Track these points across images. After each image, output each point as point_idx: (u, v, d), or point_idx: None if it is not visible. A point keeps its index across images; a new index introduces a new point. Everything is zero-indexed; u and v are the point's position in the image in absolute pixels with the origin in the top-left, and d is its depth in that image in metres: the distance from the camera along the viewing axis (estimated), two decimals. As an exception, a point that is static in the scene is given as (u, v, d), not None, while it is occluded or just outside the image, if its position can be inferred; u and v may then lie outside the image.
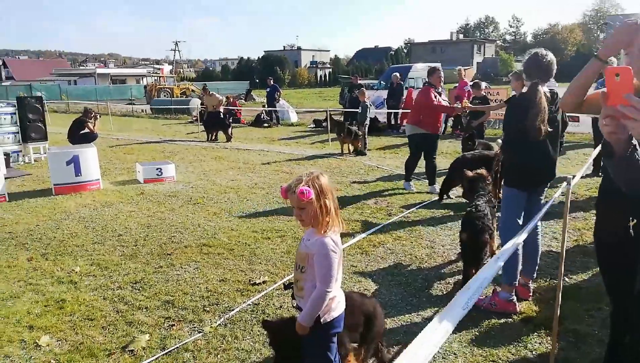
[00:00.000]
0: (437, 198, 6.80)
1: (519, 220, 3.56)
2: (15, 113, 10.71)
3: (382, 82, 19.89)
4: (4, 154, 9.30)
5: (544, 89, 3.38)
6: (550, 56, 3.40)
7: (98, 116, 11.40)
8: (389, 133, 14.64)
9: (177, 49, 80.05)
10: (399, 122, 15.46)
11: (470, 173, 4.70)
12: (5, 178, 7.69)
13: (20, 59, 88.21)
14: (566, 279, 4.09)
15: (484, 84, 14.19)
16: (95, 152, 7.95)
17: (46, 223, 6.02)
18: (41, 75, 53.95)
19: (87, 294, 4.01)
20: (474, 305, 3.55)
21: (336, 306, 2.25)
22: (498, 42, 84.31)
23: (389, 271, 4.41)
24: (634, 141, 1.35)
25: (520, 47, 76.70)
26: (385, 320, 3.53)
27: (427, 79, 7.37)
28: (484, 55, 71.30)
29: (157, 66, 73.68)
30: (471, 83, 10.56)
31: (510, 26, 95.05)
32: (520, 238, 2.21)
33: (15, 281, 4.31)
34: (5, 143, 10.41)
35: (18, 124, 10.69)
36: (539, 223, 3.71)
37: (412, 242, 5.13)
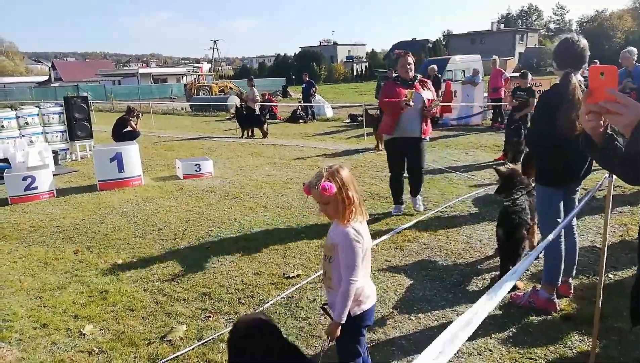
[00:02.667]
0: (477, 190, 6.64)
1: (558, 219, 3.36)
2: (62, 113, 11.20)
3: (419, 75, 19.58)
4: (53, 152, 9.76)
5: (577, 78, 3.11)
6: (583, 42, 3.15)
7: (140, 115, 11.79)
8: (426, 127, 14.40)
9: (215, 47, 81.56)
10: (438, 115, 15.21)
11: (503, 170, 4.56)
12: (54, 175, 8.06)
13: (68, 61, 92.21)
14: (610, 276, 3.93)
15: (510, 76, 13.76)
16: (137, 149, 8.22)
17: (91, 218, 6.28)
18: (87, 76, 56.19)
19: (128, 285, 4.17)
20: (512, 301, 3.49)
21: (366, 299, 2.25)
22: (541, 31, 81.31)
23: (423, 266, 4.36)
24: (609, 130, 1.39)
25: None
26: (419, 315, 3.51)
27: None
28: (527, 45, 68.96)
29: (197, 65, 75.26)
30: (518, 74, 10.21)
31: (555, 14, 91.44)
32: (550, 236, 2.13)
33: (62, 272, 4.52)
34: (54, 141, 10.92)
35: (65, 123, 11.17)
36: (574, 220, 3.57)
37: (447, 237, 5.05)
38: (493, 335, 3.17)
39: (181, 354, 3.09)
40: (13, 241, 5.47)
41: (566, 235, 3.49)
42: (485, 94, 14.50)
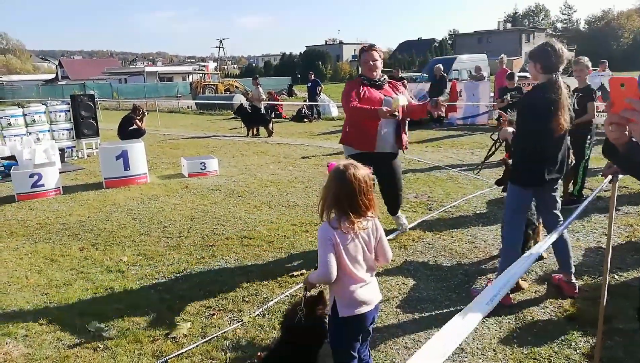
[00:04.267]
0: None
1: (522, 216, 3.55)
2: (69, 111, 11.26)
3: (425, 74, 19.56)
4: (59, 150, 9.82)
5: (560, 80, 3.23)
6: (559, 45, 3.27)
7: (146, 113, 11.83)
8: (430, 126, 14.38)
9: (221, 46, 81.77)
10: (444, 115, 15.20)
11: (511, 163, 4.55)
12: (60, 172, 8.11)
13: (75, 59, 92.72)
14: (615, 276, 3.91)
15: (523, 75, 13.74)
16: (143, 147, 8.25)
17: (97, 215, 6.32)
18: (94, 74, 56.44)
19: (133, 283, 4.19)
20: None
21: (357, 304, 2.23)
22: (548, 30, 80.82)
23: (428, 266, 4.35)
24: (633, 138, 1.40)
25: (572, 36, 73.27)
26: (423, 315, 3.51)
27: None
28: (534, 44, 68.57)
29: (202, 64, 75.48)
30: (522, 73, 10.27)
31: (562, 13, 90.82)
32: (553, 237, 2.12)
33: (68, 269, 4.55)
34: (61, 139, 10.99)
35: (72, 121, 11.23)
36: (559, 216, 3.59)
37: (452, 237, 5.04)
38: (497, 335, 3.17)
39: (185, 351, 3.10)
40: (20, 238, 5.51)
41: (552, 231, 3.49)
42: (492, 94, 14.46)
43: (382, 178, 4.69)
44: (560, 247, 3.61)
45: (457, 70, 19.53)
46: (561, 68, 3.27)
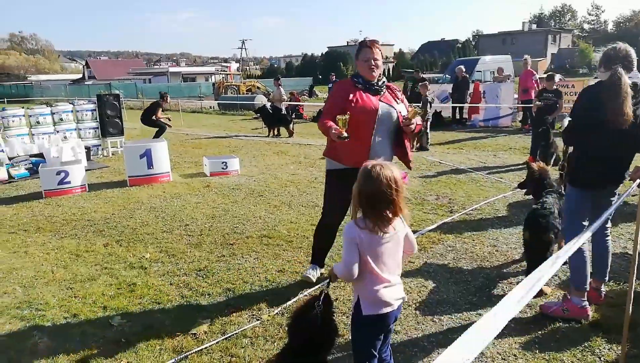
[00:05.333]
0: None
1: (584, 223, 3.29)
2: (95, 110, 11.51)
3: (447, 75, 19.38)
4: (85, 148, 10.04)
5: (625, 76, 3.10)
6: (628, 48, 3.20)
7: (168, 99, 12.67)
8: (452, 128, 14.25)
9: (243, 47, 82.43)
10: (465, 117, 15.03)
11: (535, 167, 4.48)
12: (86, 170, 8.30)
13: (101, 60, 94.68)
14: (643, 283, 3.81)
15: (557, 77, 13.48)
16: (166, 146, 8.38)
17: (121, 212, 6.44)
18: (119, 74, 57.53)
19: (155, 279, 4.26)
20: (543, 310, 3.39)
21: (382, 304, 2.24)
22: (575, 31, 79.29)
23: (448, 269, 4.31)
24: None
25: (600, 37, 71.59)
26: (442, 317, 3.48)
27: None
28: (560, 46, 67.31)
29: (225, 64, 76.24)
30: (545, 75, 10.03)
31: (589, 14, 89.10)
32: (581, 239, 2.08)
33: (93, 264, 4.66)
34: (87, 138, 11.23)
35: (98, 120, 11.48)
36: (609, 223, 3.47)
37: (473, 240, 4.99)
38: (518, 340, 3.12)
39: (205, 348, 3.14)
40: (47, 233, 5.66)
41: (598, 239, 3.40)
42: (515, 95, 14.24)
43: None
44: (600, 253, 3.50)
45: (480, 71, 19.27)
46: (630, 67, 3.17)
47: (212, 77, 52.79)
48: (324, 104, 19.19)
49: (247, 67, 79.59)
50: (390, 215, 2.17)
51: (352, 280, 2.23)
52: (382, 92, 3.70)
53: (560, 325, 3.28)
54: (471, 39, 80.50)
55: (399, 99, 3.78)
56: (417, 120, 3.67)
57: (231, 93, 30.28)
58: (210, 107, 26.79)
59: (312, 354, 2.47)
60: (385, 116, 3.61)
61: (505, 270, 4.26)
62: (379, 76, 3.68)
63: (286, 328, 2.88)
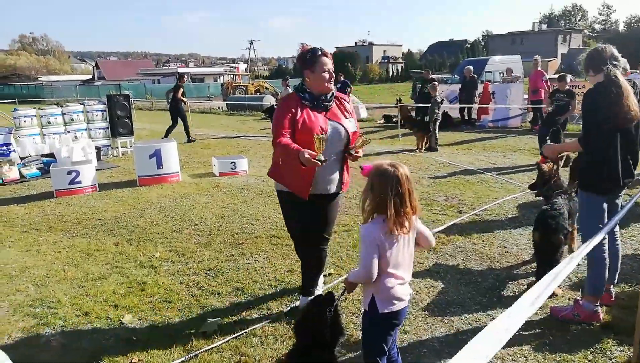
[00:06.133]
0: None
1: (601, 226, 3.24)
2: (105, 110, 11.60)
3: (456, 76, 19.31)
4: (95, 148, 10.13)
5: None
6: (610, 47, 3.22)
7: (185, 80, 13.61)
8: (461, 129, 14.19)
9: (252, 47, 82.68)
10: (474, 117, 14.96)
11: (545, 168, 4.46)
12: (97, 170, 8.38)
13: (111, 60, 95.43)
14: (655, 285, 3.77)
15: (569, 77, 13.38)
16: (176, 147, 8.43)
17: (131, 212, 6.49)
18: (129, 75, 57.99)
19: (165, 278, 4.29)
20: (554, 314, 3.37)
21: (396, 300, 2.25)
22: (585, 31, 78.62)
23: (457, 270, 4.30)
24: None
25: (611, 37, 70.96)
26: (452, 318, 3.47)
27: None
28: (570, 46, 66.77)
29: (233, 65, 76.52)
30: (556, 76, 9.94)
31: (600, 14, 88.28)
32: (594, 241, 2.07)
33: (103, 263, 4.70)
34: (97, 138, 11.33)
35: (108, 120, 11.57)
36: (617, 226, 3.44)
37: (483, 241, 4.97)
38: (528, 341, 3.10)
39: (215, 347, 3.16)
40: (58, 232, 5.72)
41: (609, 241, 3.37)
42: (525, 96, 14.16)
43: (311, 221, 3.36)
44: (609, 255, 3.47)
45: (490, 71, 19.17)
46: (610, 62, 3.15)
47: (220, 77, 52.97)
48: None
49: (256, 68, 79.86)
50: (410, 213, 2.18)
51: (371, 282, 2.22)
52: (330, 107, 3.28)
53: (571, 326, 3.26)
54: (480, 40, 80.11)
55: (348, 112, 3.37)
56: (360, 149, 3.23)
57: (239, 94, 30.37)
58: (219, 108, 26.89)
59: (320, 352, 2.48)
60: (334, 136, 3.20)
61: (515, 271, 4.24)
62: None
63: (294, 328, 2.90)
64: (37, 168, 9.30)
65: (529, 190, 5.21)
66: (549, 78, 13.50)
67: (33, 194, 7.78)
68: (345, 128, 3.27)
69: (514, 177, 7.80)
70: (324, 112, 3.25)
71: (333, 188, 3.33)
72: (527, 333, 3.20)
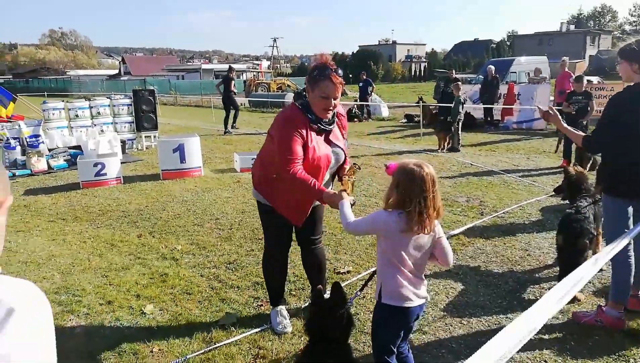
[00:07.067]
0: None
1: (626, 230, 3.12)
2: (131, 105, 11.80)
3: (480, 76, 19.05)
4: (121, 141, 10.32)
5: None
6: None
7: (234, 72, 14.69)
8: (485, 129, 14.01)
9: (275, 45, 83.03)
10: (497, 118, 14.76)
11: (572, 171, 4.37)
12: (121, 163, 8.54)
13: (137, 56, 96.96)
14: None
15: (588, 79, 13.07)
16: (199, 142, 8.54)
17: (154, 205, 6.61)
18: (154, 70, 58.87)
19: (186, 270, 4.36)
20: (576, 319, 3.31)
21: (402, 298, 2.25)
22: (615, 33, 76.55)
23: (477, 272, 4.26)
24: None
25: (642, 38, 68.75)
26: (471, 320, 3.44)
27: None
28: (599, 47, 65.19)
29: (256, 62, 76.94)
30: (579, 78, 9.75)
31: (631, 15, 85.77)
32: (620, 245, 2.03)
33: (127, 254, 4.80)
34: (122, 131, 11.54)
35: (133, 114, 11.77)
36: None
37: (504, 243, 4.90)
38: (549, 346, 3.06)
39: (234, 340, 3.19)
40: (83, 223, 5.86)
41: (635, 246, 3.30)
42: (551, 98, 13.89)
43: (298, 229, 3.26)
44: (636, 259, 3.39)
45: (515, 72, 18.85)
46: None
47: (243, 74, 53.37)
48: (353, 103, 19.17)
49: (278, 65, 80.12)
50: (433, 216, 2.17)
51: (346, 228, 2.44)
52: (331, 130, 2.98)
53: (594, 332, 3.20)
54: (506, 40, 78.86)
55: (344, 129, 3.13)
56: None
57: (262, 91, 30.54)
58: (241, 105, 27.03)
59: (331, 347, 2.50)
60: (334, 160, 3.01)
61: (537, 275, 4.18)
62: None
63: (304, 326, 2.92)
64: (65, 160, 9.53)
65: (553, 193, 5.10)
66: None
67: (60, 185, 7.98)
68: (343, 151, 3.06)
69: (538, 180, 7.67)
70: (327, 135, 2.97)
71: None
72: (548, 337, 3.16)
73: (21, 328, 0.70)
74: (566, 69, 12.79)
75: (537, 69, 15.96)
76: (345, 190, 2.68)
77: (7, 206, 0.81)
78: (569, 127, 3.38)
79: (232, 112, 14.70)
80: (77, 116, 11.20)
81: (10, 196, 0.84)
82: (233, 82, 14.48)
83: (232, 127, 14.81)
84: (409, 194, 2.13)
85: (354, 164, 2.90)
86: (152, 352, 3.09)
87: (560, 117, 3.36)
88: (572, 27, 72.45)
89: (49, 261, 4.66)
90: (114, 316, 3.56)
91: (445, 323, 3.40)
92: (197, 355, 3.02)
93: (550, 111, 3.34)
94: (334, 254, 4.69)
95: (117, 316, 3.55)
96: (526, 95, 14.26)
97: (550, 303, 1.35)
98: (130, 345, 3.15)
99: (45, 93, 33.65)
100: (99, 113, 11.43)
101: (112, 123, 11.57)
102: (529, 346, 3.05)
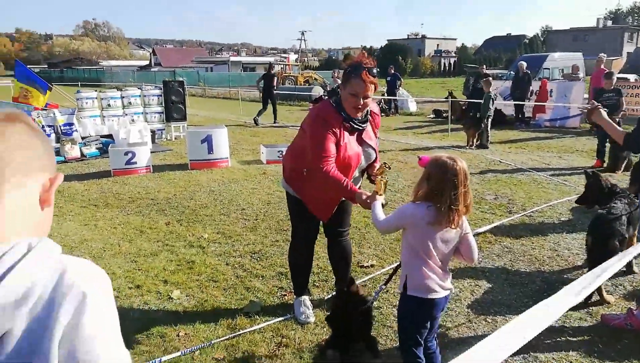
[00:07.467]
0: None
1: None
2: (161, 95, 12.00)
3: (512, 72, 18.65)
4: (151, 131, 10.52)
5: None
6: None
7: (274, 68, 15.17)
8: (516, 127, 13.72)
9: (303, 38, 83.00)
10: (530, 115, 14.43)
11: (591, 176, 4.24)
12: (151, 152, 8.71)
13: (167, 48, 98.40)
14: None
15: (624, 76, 12.63)
16: (226, 133, 8.64)
17: (182, 194, 6.73)
18: (184, 62, 59.71)
19: (212, 258, 4.44)
20: (605, 322, 3.23)
21: (423, 287, 2.25)
22: (656, 29, 73.63)
23: (503, 270, 4.20)
24: None
25: (684, 35, 66.12)
26: (496, 318, 3.40)
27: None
28: (637, 44, 62.88)
29: (284, 55, 77.09)
30: (606, 72, 9.43)
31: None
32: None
33: (155, 241, 4.91)
34: (152, 121, 11.75)
35: (163, 105, 11.98)
36: None
37: (532, 242, 4.82)
38: (576, 348, 3.00)
39: (258, 328, 3.24)
40: (114, 209, 6.02)
41: None
42: (586, 95, 13.49)
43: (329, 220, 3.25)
44: None
45: (548, 69, 18.36)
46: None
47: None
48: (380, 97, 19.05)
49: (306, 59, 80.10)
50: (462, 210, 2.16)
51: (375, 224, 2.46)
52: (364, 128, 2.96)
53: (623, 335, 3.13)
54: (540, 35, 76.87)
55: (376, 127, 3.11)
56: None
57: (289, 84, 30.60)
58: (269, 97, 27.19)
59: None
60: (365, 159, 3.04)
61: (565, 276, 4.09)
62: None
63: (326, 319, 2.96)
64: (97, 148, 9.78)
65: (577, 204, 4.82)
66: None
67: (92, 172, 8.20)
68: (374, 149, 3.06)
69: (569, 179, 7.49)
70: (359, 134, 2.95)
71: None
72: (575, 339, 3.10)
73: (99, 308, 0.73)
74: (602, 66, 12.40)
75: (575, 66, 15.49)
76: (377, 192, 2.65)
77: (57, 184, 0.83)
78: (613, 123, 3.29)
79: (270, 107, 15.12)
80: (109, 105, 11.45)
81: (60, 174, 0.86)
82: (275, 78, 15.38)
83: (274, 121, 15.19)
84: (441, 188, 2.12)
85: (384, 163, 2.85)
86: (178, 335, 3.16)
87: (605, 113, 3.26)
88: (609, 23, 70.06)
89: (81, 245, 4.81)
90: (142, 300, 3.66)
91: (469, 320, 3.37)
92: (221, 341, 3.09)
93: (598, 107, 3.25)
94: (358, 248, 4.69)
95: (146, 300, 3.65)
96: (560, 92, 13.89)
97: (569, 296, 1.33)
98: (158, 328, 3.23)
99: (79, 83, 34.52)
100: (130, 103, 11.66)
101: (142, 113, 11.78)
102: (556, 347, 3.01)
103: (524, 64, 14.39)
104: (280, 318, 3.36)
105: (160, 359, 2.86)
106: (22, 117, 0.81)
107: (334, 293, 3.36)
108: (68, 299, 0.69)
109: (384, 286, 2.83)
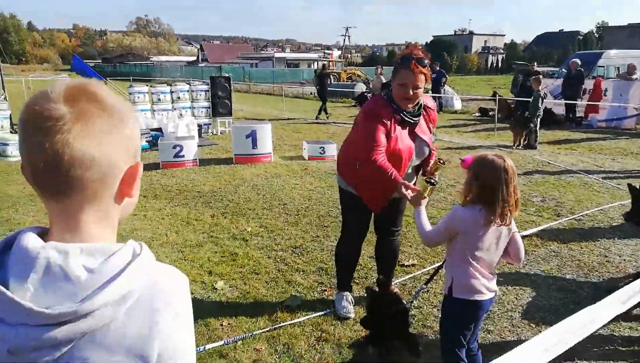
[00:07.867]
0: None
1: None
2: (208, 91, 12.31)
3: (563, 70, 17.93)
4: (198, 125, 10.82)
5: None
6: None
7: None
8: (567, 127, 13.21)
9: (347, 34, 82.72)
10: (580, 115, 13.84)
11: (636, 186, 4.04)
12: (198, 146, 8.96)
13: (214, 44, 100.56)
14: None
15: None
16: (270, 129, 8.78)
17: (226, 187, 6.91)
18: (229, 58, 60.83)
19: (255, 251, 4.55)
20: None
21: (470, 288, 2.23)
22: None
23: (550, 274, 4.08)
24: None
25: None
26: (541, 324, 3.32)
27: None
28: None
29: (328, 51, 77.23)
30: None
31: None
32: None
33: (200, 232, 5.07)
34: (199, 116, 12.08)
35: (210, 100, 12.28)
36: None
37: (581, 247, 4.65)
38: (624, 358, 2.90)
39: (298, 321, 3.31)
40: (162, 201, 6.25)
41: None
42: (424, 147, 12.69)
43: (379, 218, 3.32)
44: None
45: (603, 67, 17.52)
46: None
47: (314, 63, 53.74)
48: (425, 94, 18.72)
49: (349, 55, 79.89)
50: (513, 208, 2.13)
51: (423, 240, 2.42)
52: (418, 122, 2.94)
53: (678, 349, 2.99)
54: (595, 31, 73.40)
55: (432, 123, 3.09)
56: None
57: (332, 80, 30.65)
58: (311, 93, 27.35)
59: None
60: (418, 154, 3.00)
61: (616, 284, 3.93)
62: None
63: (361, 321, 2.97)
64: (147, 141, 10.14)
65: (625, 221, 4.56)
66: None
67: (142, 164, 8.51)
68: (428, 145, 3.02)
69: (623, 183, 7.14)
70: (411, 127, 2.92)
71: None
72: (624, 349, 2.99)
73: (185, 312, 0.78)
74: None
75: (631, 65, 14.71)
76: (422, 194, 2.55)
77: (140, 172, 0.83)
78: None
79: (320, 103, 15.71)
80: (159, 100, 11.85)
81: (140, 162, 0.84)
82: (329, 77, 16.24)
83: (326, 117, 15.51)
84: (491, 185, 2.09)
85: (439, 159, 2.80)
86: (221, 325, 3.27)
87: None
88: (673, 17, 65.95)
89: (131, 234, 5.02)
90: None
91: (512, 324, 3.31)
92: (262, 332, 3.17)
93: None
94: (400, 246, 4.67)
95: (191, 290, 3.74)
96: (615, 92, 13.24)
97: (615, 304, 1.30)
98: (202, 317, 3.35)
99: (131, 78, 35.83)
100: (179, 98, 12.02)
101: (190, 108, 12.13)
102: (602, 355, 2.92)
103: (577, 61, 13.79)
104: (321, 313, 3.42)
105: (205, 347, 2.97)
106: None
107: (369, 291, 3.37)
108: (161, 305, 0.74)
109: (424, 286, 2.82)
